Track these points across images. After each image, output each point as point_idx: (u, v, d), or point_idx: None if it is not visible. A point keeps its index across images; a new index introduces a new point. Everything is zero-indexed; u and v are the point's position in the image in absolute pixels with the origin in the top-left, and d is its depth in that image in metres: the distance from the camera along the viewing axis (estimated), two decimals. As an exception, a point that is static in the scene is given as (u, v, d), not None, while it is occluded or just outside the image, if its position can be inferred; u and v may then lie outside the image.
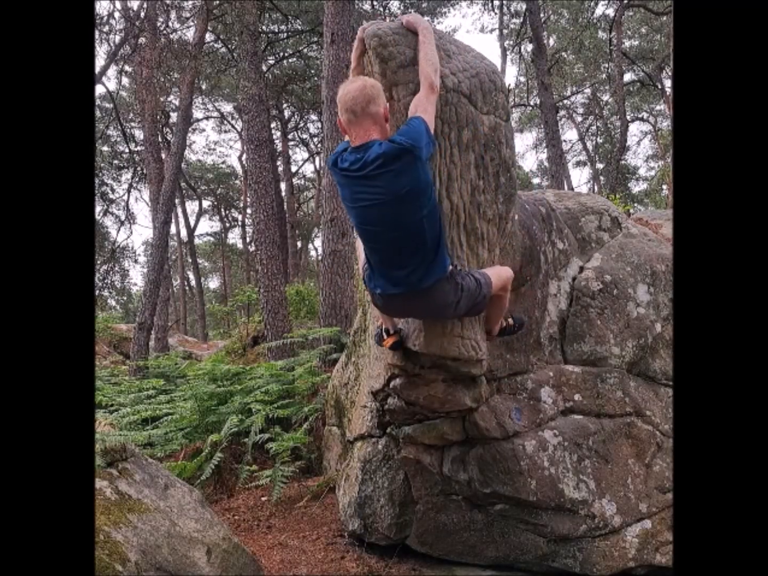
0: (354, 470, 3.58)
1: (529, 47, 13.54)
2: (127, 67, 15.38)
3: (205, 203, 28.63)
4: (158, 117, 12.95)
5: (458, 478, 3.06)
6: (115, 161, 19.42)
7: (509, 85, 17.86)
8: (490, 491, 2.97)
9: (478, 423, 2.93)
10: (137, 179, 17.42)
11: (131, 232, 51.88)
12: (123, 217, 17.84)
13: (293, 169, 22.86)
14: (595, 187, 24.38)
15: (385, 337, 2.63)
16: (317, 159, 18.16)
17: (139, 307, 10.16)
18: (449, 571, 3.19)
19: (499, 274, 2.57)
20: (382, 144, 2.10)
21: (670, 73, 20.60)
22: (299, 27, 14.88)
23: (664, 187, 23.46)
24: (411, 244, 2.19)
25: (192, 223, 25.73)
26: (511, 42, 19.74)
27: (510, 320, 2.90)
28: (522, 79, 21.86)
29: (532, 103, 20.77)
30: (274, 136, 18.22)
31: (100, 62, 12.96)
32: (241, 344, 9.68)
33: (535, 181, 28.03)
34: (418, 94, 2.28)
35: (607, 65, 20.89)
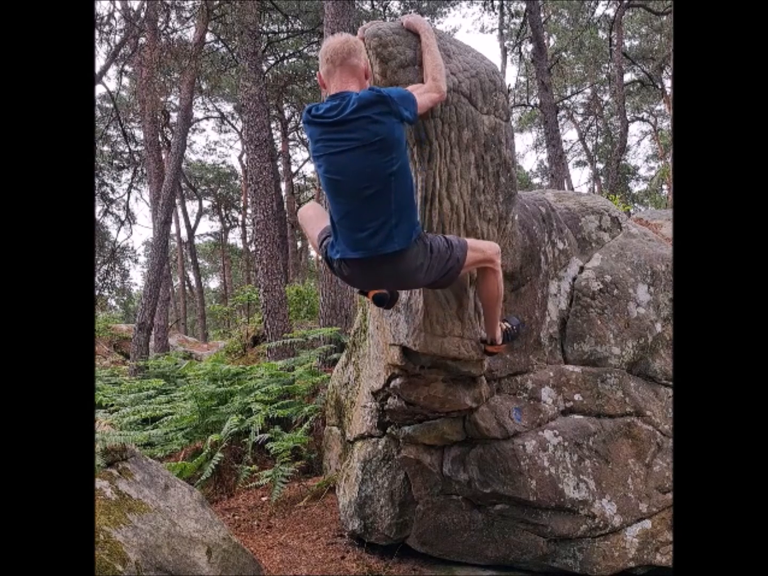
0: (354, 470, 3.58)
1: (529, 47, 13.53)
2: (127, 67, 15.38)
3: (205, 203, 28.67)
4: (158, 117, 12.95)
5: (458, 478, 3.06)
6: (115, 161, 19.42)
7: (509, 85, 17.86)
8: (490, 491, 2.97)
9: (478, 423, 2.93)
10: (137, 179, 17.43)
11: (131, 232, 52.00)
12: (123, 217, 17.85)
13: (293, 169, 22.86)
14: (595, 187, 24.38)
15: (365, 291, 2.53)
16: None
17: (139, 307, 10.16)
18: (449, 571, 3.19)
19: (480, 243, 2.45)
20: (360, 93, 2.10)
21: (670, 73, 20.60)
22: (299, 27, 14.88)
23: (664, 187, 23.47)
24: (375, 200, 2.12)
25: (192, 223, 25.73)
26: (511, 42, 19.74)
27: (506, 323, 2.76)
28: (522, 79, 21.87)
29: (532, 103, 20.77)
30: (274, 136, 18.22)
31: (100, 62, 12.97)
32: (241, 344, 9.68)
33: (535, 181, 28.04)
34: (421, 86, 2.25)
35: (607, 65, 20.91)
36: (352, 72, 2.16)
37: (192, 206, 27.35)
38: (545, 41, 16.49)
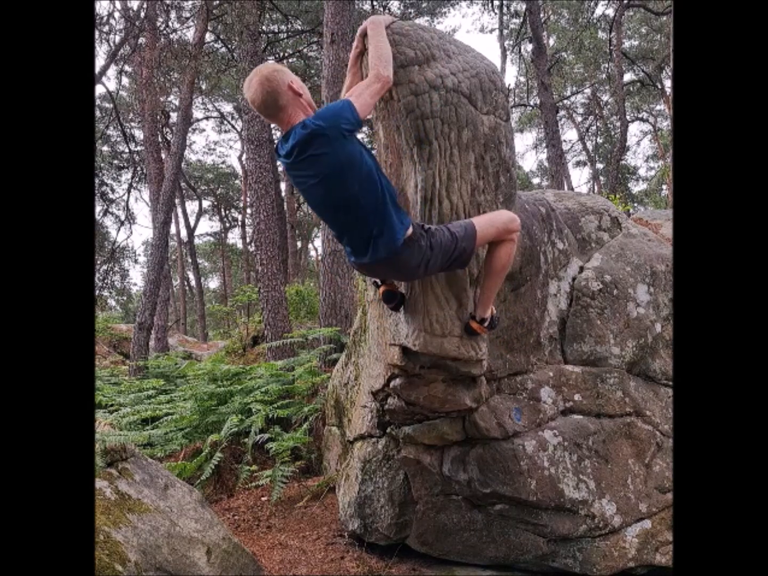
0: (354, 470, 3.58)
1: (529, 47, 13.52)
2: (127, 67, 15.39)
3: (205, 203, 28.66)
4: (158, 117, 12.94)
5: (458, 478, 3.06)
6: (115, 161, 19.41)
7: (509, 85, 17.87)
8: (490, 491, 2.97)
9: (478, 423, 2.93)
10: (137, 179, 17.41)
11: (131, 232, 51.97)
12: (123, 217, 17.82)
13: (293, 169, 22.78)
14: (595, 187, 24.38)
15: (379, 284, 2.69)
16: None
17: (139, 307, 10.16)
18: (449, 571, 3.19)
19: (492, 220, 2.42)
20: (296, 133, 2.13)
21: (670, 73, 20.60)
22: (299, 27, 14.88)
23: (664, 187, 23.48)
24: (351, 221, 2.22)
25: (192, 223, 25.73)
26: (511, 42, 19.73)
27: (495, 312, 2.70)
28: (522, 79, 21.87)
29: (532, 103, 20.77)
30: (274, 136, 18.25)
31: (100, 62, 12.97)
32: (241, 344, 9.68)
33: (535, 181, 28.05)
34: (361, 84, 2.25)
35: (607, 65, 20.90)
36: (284, 111, 2.17)
37: (192, 206, 27.38)
38: (545, 41, 16.51)
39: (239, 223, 28.72)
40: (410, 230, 2.25)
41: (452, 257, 2.32)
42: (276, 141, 2.38)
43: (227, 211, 29.65)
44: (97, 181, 16.35)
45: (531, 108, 22.07)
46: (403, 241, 2.21)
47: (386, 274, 2.49)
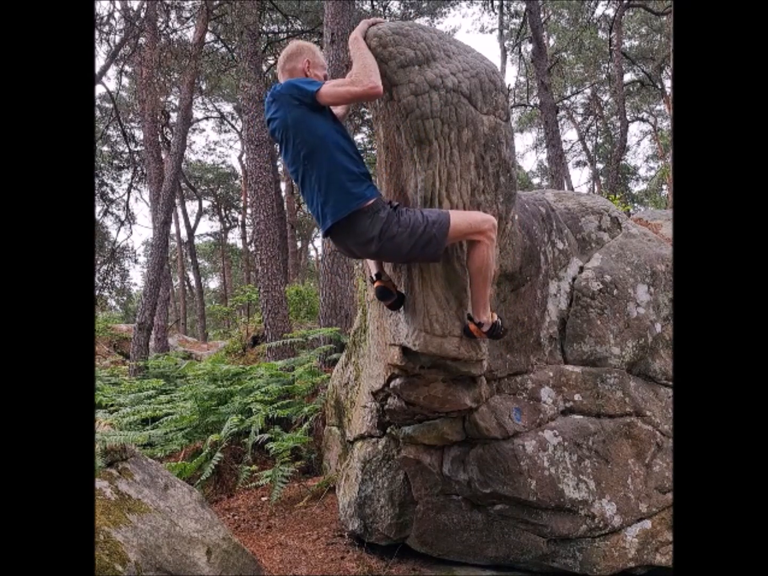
0: (354, 470, 3.58)
1: (529, 47, 13.53)
2: (127, 67, 15.38)
3: (205, 203, 28.65)
4: (158, 117, 12.94)
5: (458, 478, 3.06)
6: (115, 161, 19.39)
7: (509, 85, 17.87)
8: (490, 491, 2.97)
9: (478, 423, 2.93)
10: (137, 179, 17.39)
11: (131, 232, 51.93)
12: (123, 217, 17.81)
13: (293, 169, 22.79)
14: (595, 187, 24.38)
15: (374, 279, 2.70)
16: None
17: (139, 307, 10.15)
18: (449, 571, 3.19)
19: (467, 215, 2.42)
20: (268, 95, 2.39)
21: (670, 73, 20.60)
22: (299, 27, 14.87)
23: (664, 187, 23.48)
24: (305, 184, 2.37)
25: (192, 223, 25.73)
26: (511, 42, 19.74)
27: (500, 321, 2.65)
28: (522, 79, 21.87)
29: (532, 103, 20.77)
30: (274, 136, 18.18)
31: (100, 62, 12.97)
32: (241, 344, 9.67)
33: (535, 181, 28.05)
34: (342, 79, 2.34)
35: (607, 65, 20.90)
36: (290, 73, 2.48)
37: (192, 206, 27.38)
38: (545, 41, 16.51)
39: (239, 223, 28.73)
40: (370, 201, 2.28)
41: (421, 240, 2.29)
42: None
43: (227, 211, 29.65)
44: (97, 181, 16.35)
45: (531, 108, 22.07)
46: (356, 211, 2.27)
47: (348, 248, 2.43)
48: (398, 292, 2.66)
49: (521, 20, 16.58)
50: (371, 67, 2.27)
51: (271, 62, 15.44)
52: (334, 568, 3.25)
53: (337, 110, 2.59)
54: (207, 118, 23.55)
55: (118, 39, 12.05)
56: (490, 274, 2.47)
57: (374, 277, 2.72)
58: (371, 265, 2.77)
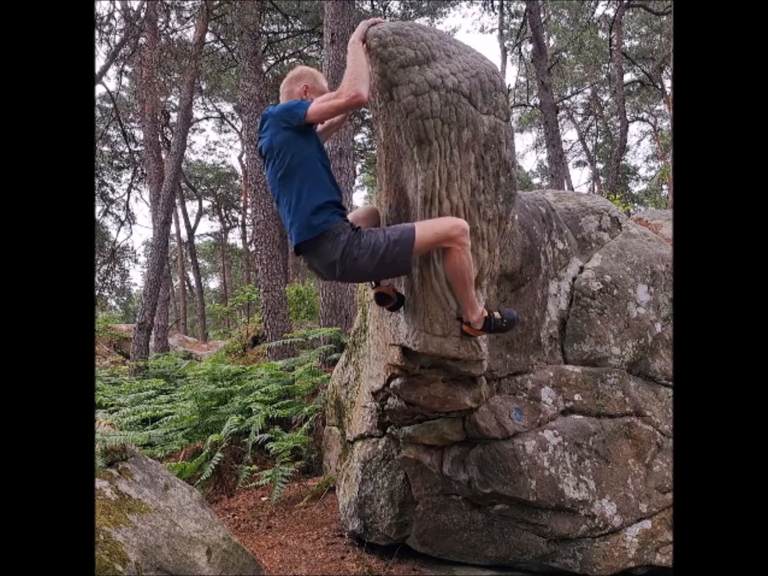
0: (354, 470, 3.58)
1: (529, 47, 13.53)
2: (127, 67, 15.37)
3: (205, 203, 28.63)
4: (158, 117, 12.94)
5: (458, 478, 3.06)
6: (115, 161, 19.40)
7: (509, 85, 17.87)
8: (490, 491, 2.97)
9: (478, 423, 2.93)
10: (137, 179, 17.40)
11: (131, 232, 51.95)
12: (123, 217, 17.82)
13: (293, 168, 22.76)
14: (595, 187, 24.38)
15: (374, 285, 2.72)
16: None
17: (139, 307, 10.16)
18: (449, 571, 3.20)
19: (433, 225, 2.39)
20: (264, 112, 2.50)
21: (670, 73, 20.61)
22: (299, 27, 14.87)
23: (664, 187, 23.48)
24: (279, 203, 2.47)
25: (192, 223, 25.73)
26: (511, 42, 19.74)
27: (497, 314, 2.62)
28: (522, 79, 21.87)
29: (532, 103, 20.77)
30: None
31: (100, 62, 12.96)
32: (241, 344, 9.68)
33: (535, 181, 28.05)
34: (331, 94, 2.40)
35: (607, 65, 20.90)
36: (288, 96, 2.59)
37: (192, 206, 27.36)
38: (545, 41, 16.48)
39: (239, 223, 28.71)
40: (331, 225, 2.33)
41: (385, 260, 2.31)
42: None
43: (227, 211, 29.63)
44: (97, 181, 16.34)
45: (531, 108, 22.07)
46: (319, 234, 2.33)
47: (316, 269, 2.49)
48: (398, 294, 2.65)
49: (521, 20, 16.58)
50: (358, 76, 2.29)
51: (271, 62, 15.45)
52: (334, 568, 3.25)
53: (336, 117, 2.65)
54: (207, 118, 23.54)
55: (118, 39, 12.05)
56: (468, 277, 2.44)
57: (374, 284, 2.72)
58: None
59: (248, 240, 24.89)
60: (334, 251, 2.32)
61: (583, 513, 2.93)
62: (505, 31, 19.78)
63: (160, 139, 14.39)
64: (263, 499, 4.44)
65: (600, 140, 25.25)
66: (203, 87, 18.23)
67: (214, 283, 37.88)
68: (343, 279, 2.45)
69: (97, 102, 17.51)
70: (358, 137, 19.06)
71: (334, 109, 2.33)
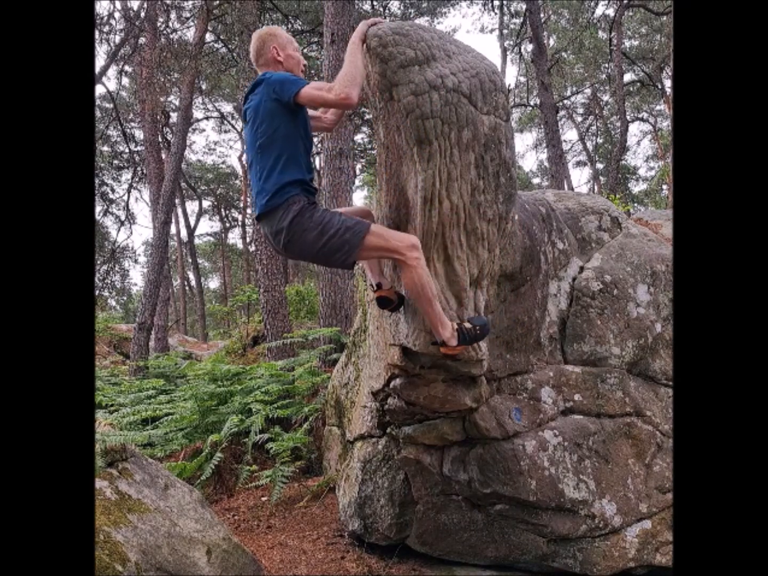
0: (354, 470, 3.58)
1: (529, 47, 13.52)
2: (127, 67, 15.38)
3: (205, 203, 28.63)
4: (158, 117, 12.94)
5: (458, 478, 3.06)
6: (115, 161, 19.40)
7: (509, 85, 17.87)
8: (490, 491, 2.97)
9: (478, 423, 2.93)
10: (137, 179, 17.40)
11: (131, 232, 51.91)
12: (123, 217, 17.81)
13: (293, 168, 22.75)
14: (595, 187, 24.38)
15: (375, 289, 2.70)
16: (317, 159, 18.19)
17: (139, 307, 10.16)
18: (449, 571, 3.19)
19: (390, 235, 2.40)
20: (258, 76, 2.52)
21: (670, 73, 20.60)
22: (299, 27, 14.88)
23: (664, 187, 23.48)
24: (251, 168, 2.50)
25: (192, 223, 25.72)
26: (511, 42, 19.74)
27: (467, 324, 2.55)
28: (522, 79, 21.87)
29: (532, 103, 20.77)
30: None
31: (100, 62, 12.97)
32: (241, 344, 9.68)
33: (535, 181, 28.05)
34: (325, 84, 2.40)
35: (607, 65, 20.91)
36: (266, 67, 2.60)
37: (192, 206, 27.37)
38: (545, 41, 16.48)
39: (239, 223, 28.71)
40: (291, 196, 2.37)
41: (332, 243, 2.33)
42: None
43: (227, 211, 29.64)
44: (97, 181, 16.34)
45: (531, 108, 22.07)
46: (280, 203, 2.36)
47: (267, 236, 2.51)
48: (399, 295, 2.65)
49: (521, 20, 16.58)
50: (352, 79, 2.30)
51: (271, 62, 15.42)
52: (334, 568, 3.25)
53: (331, 115, 2.72)
54: (207, 118, 23.55)
55: (118, 39, 12.05)
56: (429, 293, 2.38)
57: (375, 287, 2.71)
58: (371, 275, 2.76)
59: (248, 240, 24.89)
60: (284, 217, 2.36)
61: (583, 513, 2.93)
62: (505, 31, 19.78)
63: (160, 139, 14.39)
64: (263, 499, 4.44)
65: (600, 140, 25.26)
66: (203, 87, 18.23)
67: (214, 283, 37.90)
68: (286, 250, 2.46)
69: (97, 102, 17.52)
70: (358, 137, 19.07)
71: (322, 101, 2.36)
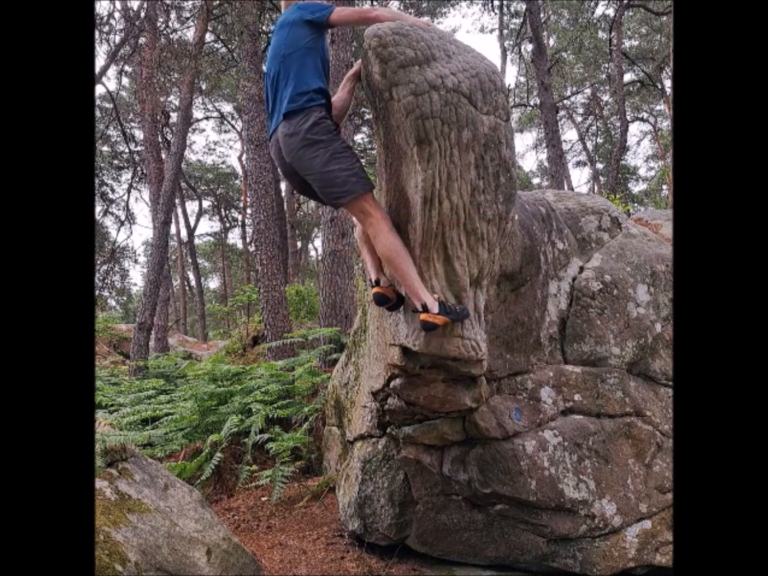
0: (354, 470, 3.58)
1: (529, 47, 13.53)
2: (127, 67, 15.37)
3: (205, 203, 28.62)
4: (158, 117, 12.93)
5: (458, 478, 3.06)
6: (115, 161, 19.40)
7: (509, 85, 17.88)
8: (490, 491, 2.97)
9: (478, 423, 2.93)
10: (137, 179, 17.39)
11: (131, 232, 51.90)
12: (123, 217, 17.81)
13: (293, 168, 22.77)
14: (595, 187, 24.38)
15: (373, 285, 2.72)
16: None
17: (139, 307, 10.15)
18: (449, 571, 3.19)
19: (377, 210, 2.53)
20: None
21: (670, 73, 20.60)
22: (299, 27, 14.84)
23: (664, 187, 23.48)
24: (278, 79, 2.63)
25: (192, 223, 25.72)
26: (511, 42, 19.74)
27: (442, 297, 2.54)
28: (522, 79, 21.87)
29: (532, 103, 20.77)
30: (274, 136, 18.13)
31: (100, 62, 12.96)
32: (241, 344, 9.67)
33: (535, 181, 28.04)
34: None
35: (607, 65, 20.91)
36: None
37: (192, 206, 27.36)
38: (545, 41, 16.50)
39: (239, 223, 28.69)
40: (314, 105, 2.51)
41: (335, 174, 2.45)
42: None
43: (227, 211, 29.63)
44: (97, 181, 16.34)
45: (531, 108, 22.07)
46: (306, 107, 2.50)
47: (278, 146, 2.60)
48: (398, 295, 2.65)
49: (521, 20, 16.58)
50: (399, 17, 2.57)
51: (271, 62, 15.41)
52: (334, 568, 3.25)
53: (336, 110, 2.73)
54: (207, 118, 23.55)
55: (118, 39, 12.05)
56: (402, 255, 2.47)
57: (373, 283, 2.71)
58: (371, 271, 2.76)
59: (248, 240, 24.89)
60: (305, 121, 2.48)
61: (583, 513, 2.93)
62: (505, 31, 19.79)
63: (160, 139, 14.38)
64: (263, 499, 4.44)
65: (600, 140, 25.25)
66: (203, 87, 18.22)
67: (214, 283, 37.89)
68: (292, 162, 2.56)
69: (97, 102, 17.52)
70: (358, 137, 19.05)
71: (358, 17, 2.65)
